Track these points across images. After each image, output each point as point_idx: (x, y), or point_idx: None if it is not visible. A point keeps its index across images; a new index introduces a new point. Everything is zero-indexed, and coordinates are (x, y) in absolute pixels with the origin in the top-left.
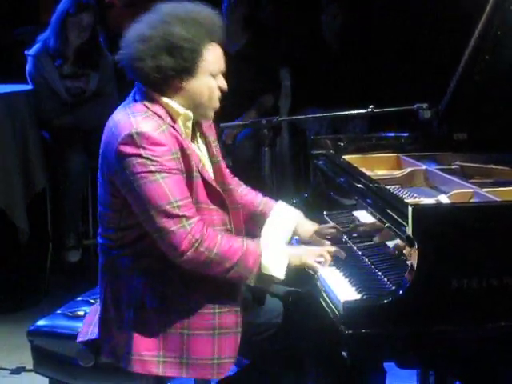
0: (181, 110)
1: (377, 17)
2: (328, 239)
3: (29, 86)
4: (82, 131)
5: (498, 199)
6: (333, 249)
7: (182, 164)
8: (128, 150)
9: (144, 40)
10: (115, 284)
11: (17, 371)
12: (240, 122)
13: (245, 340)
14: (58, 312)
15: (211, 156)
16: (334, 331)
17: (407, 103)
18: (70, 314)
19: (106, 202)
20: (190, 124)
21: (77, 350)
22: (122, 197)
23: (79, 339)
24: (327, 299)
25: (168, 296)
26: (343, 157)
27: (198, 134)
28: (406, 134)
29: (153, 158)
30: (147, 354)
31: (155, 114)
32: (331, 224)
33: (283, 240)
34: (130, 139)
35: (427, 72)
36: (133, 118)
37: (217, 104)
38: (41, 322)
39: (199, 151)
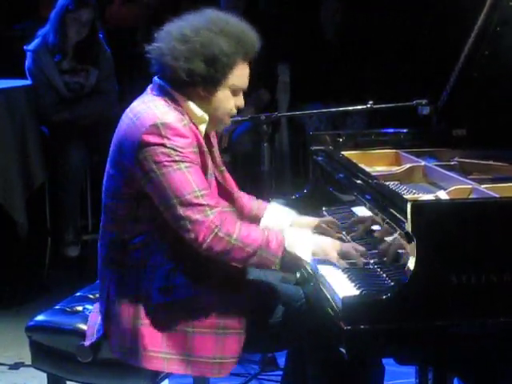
0: (198, 112)
1: (376, 12)
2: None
3: (28, 82)
4: (81, 126)
5: (497, 195)
6: (360, 248)
7: (200, 160)
8: (152, 139)
9: (184, 40)
10: (120, 278)
11: (15, 366)
12: (239, 118)
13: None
14: (57, 307)
15: (214, 164)
16: (332, 327)
17: (407, 99)
18: (68, 309)
19: (117, 194)
20: (203, 128)
21: (75, 345)
22: (137, 188)
23: (87, 343)
24: (326, 295)
25: (175, 292)
26: (342, 153)
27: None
28: (404, 130)
29: (177, 148)
30: (154, 350)
31: (175, 109)
32: (329, 218)
33: None
34: (155, 129)
35: (426, 67)
36: (156, 110)
37: (228, 121)
38: (39, 318)
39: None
